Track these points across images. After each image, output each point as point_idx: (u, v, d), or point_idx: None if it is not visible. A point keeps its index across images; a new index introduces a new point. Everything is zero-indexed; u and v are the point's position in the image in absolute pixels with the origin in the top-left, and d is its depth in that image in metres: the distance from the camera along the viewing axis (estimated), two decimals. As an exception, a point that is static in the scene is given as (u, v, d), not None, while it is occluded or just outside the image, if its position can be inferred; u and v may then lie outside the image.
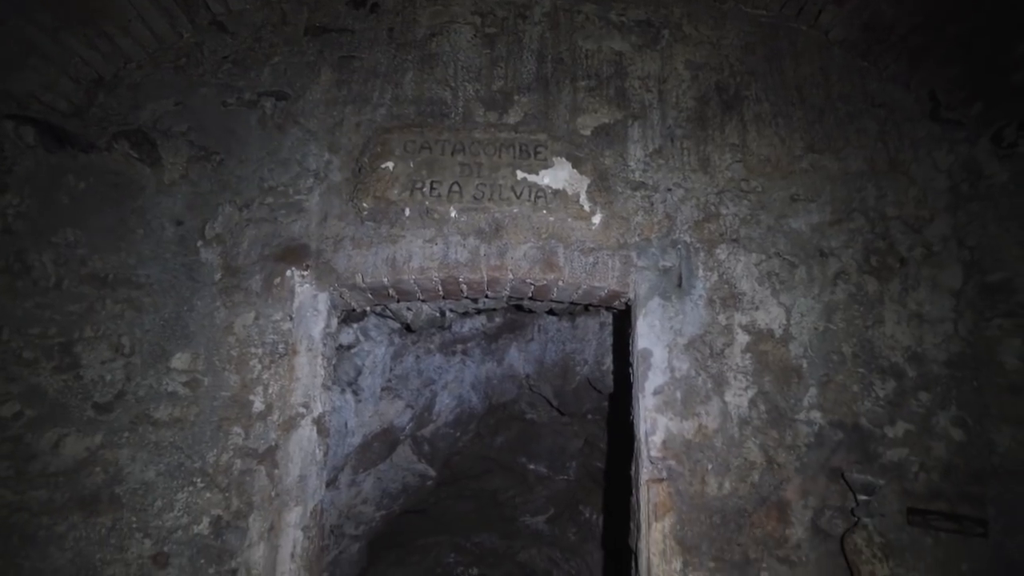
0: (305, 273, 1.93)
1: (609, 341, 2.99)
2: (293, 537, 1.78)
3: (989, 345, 1.94)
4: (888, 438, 1.85)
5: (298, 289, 1.92)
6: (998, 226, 2.02)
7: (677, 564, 1.69)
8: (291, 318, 1.89)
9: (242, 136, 2.09)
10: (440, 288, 2.07)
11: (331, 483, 2.82)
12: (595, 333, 3.08)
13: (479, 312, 2.92)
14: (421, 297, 2.17)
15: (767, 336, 1.92)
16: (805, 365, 1.90)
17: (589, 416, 3.55)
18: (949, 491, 1.84)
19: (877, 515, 1.70)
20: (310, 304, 1.92)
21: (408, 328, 2.76)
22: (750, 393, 1.85)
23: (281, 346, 1.87)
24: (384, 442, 2.96)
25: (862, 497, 1.70)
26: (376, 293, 2.06)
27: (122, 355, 1.86)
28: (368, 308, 2.54)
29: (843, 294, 1.99)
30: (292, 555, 1.77)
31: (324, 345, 1.93)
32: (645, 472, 1.77)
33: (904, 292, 2.01)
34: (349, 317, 2.64)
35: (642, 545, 1.73)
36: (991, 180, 2.08)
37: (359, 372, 2.85)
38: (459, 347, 3.38)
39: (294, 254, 1.96)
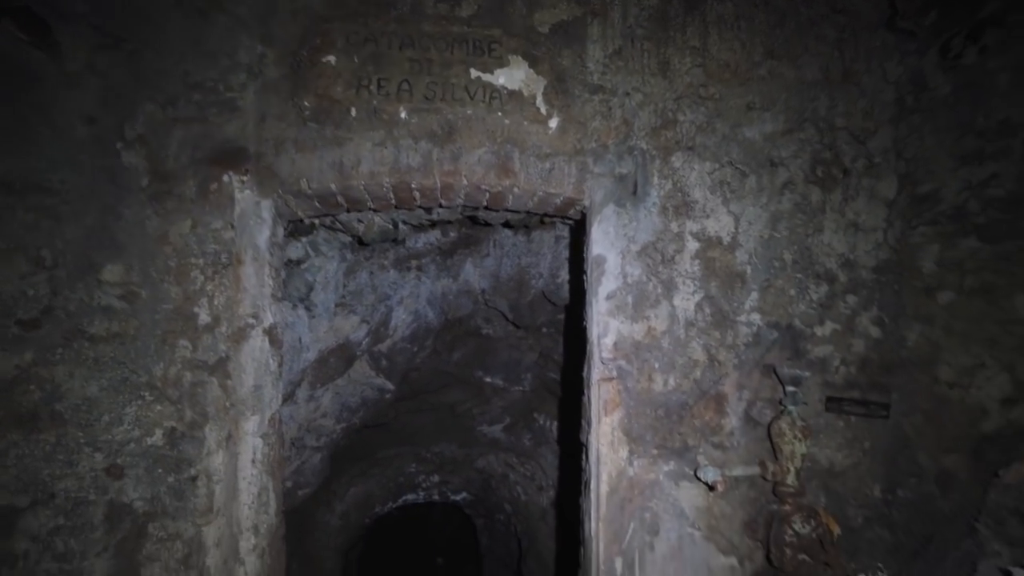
0: (244, 178, 1.80)
1: (564, 254, 3.03)
2: (252, 444, 1.80)
3: (911, 252, 2.09)
4: (816, 336, 2.01)
5: (238, 195, 1.79)
6: (934, 138, 2.10)
7: (624, 453, 1.84)
8: (233, 226, 1.78)
9: (158, 22, 1.84)
10: (392, 196, 1.99)
11: (289, 398, 2.83)
12: (550, 247, 3.10)
13: (433, 225, 2.86)
14: (372, 206, 2.09)
15: (716, 243, 1.98)
16: (749, 271, 1.99)
17: (544, 329, 3.66)
18: (862, 382, 2.05)
19: (800, 403, 1.88)
20: (253, 211, 1.81)
21: (360, 242, 2.68)
22: (697, 297, 1.94)
23: (224, 256, 1.77)
24: (341, 357, 2.97)
25: (790, 388, 1.87)
26: (324, 201, 1.96)
27: (43, 268, 1.72)
28: (317, 220, 2.43)
29: (789, 203, 2.06)
30: (253, 461, 1.80)
31: (271, 255, 1.85)
32: (596, 372, 1.86)
33: (844, 202, 2.10)
34: (297, 230, 2.52)
35: (592, 438, 1.86)
36: (934, 93, 2.13)
37: (311, 288, 2.78)
38: (413, 263, 3.34)
39: (231, 157, 1.81)
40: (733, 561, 1.92)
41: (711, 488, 1.77)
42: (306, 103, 1.83)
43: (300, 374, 2.80)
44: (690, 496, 1.88)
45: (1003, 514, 1.68)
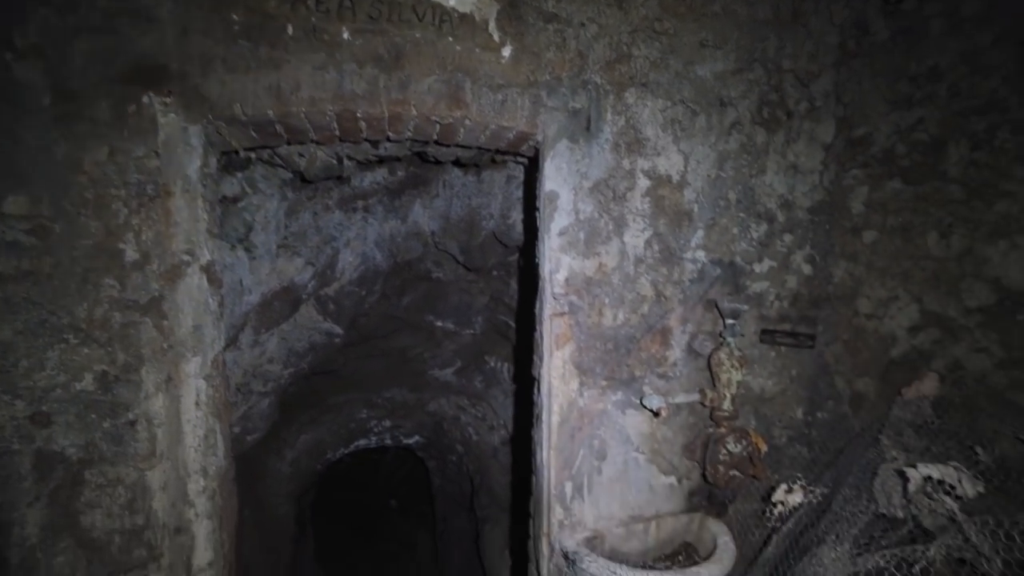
0: (168, 100, 1.62)
1: (516, 195, 2.99)
2: (195, 386, 1.72)
3: (843, 193, 2.22)
4: (755, 273, 2.13)
5: (161, 120, 1.62)
6: (871, 83, 2.18)
7: (574, 384, 1.91)
8: (157, 154, 1.62)
9: (46, -94, 1.57)
10: (336, 126, 1.87)
11: (233, 342, 2.72)
12: (501, 187, 3.05)
13: (380, 162, 2.73)
14: (315, 138, 1.96)
15: (665, 182, 2.01)
16: (696, 209, 2.05)
17: (495, 272, 3.67)
18: (793, 315, 2.20)
19: (738, 335, 2.00)
20: (180, 138, 1.65)
21: (303, 178, 2.53)
22: (646, 235, 1.98)
23: (150, 187, 1.62)
24: (285, 301, 2.86)
25: (729, 321, 1.98)
26: (261, 130, 1.82)
27: (-70, 199, 1.52)
28: (253, 154, 2.26)
29: (735, 144, 2.11)
30: (197, 403, 1.73)
31: (204, 187, 1.71)
32: (548, 308, 1.90)
33: (786, 144, 2.18)
34: (232, 164, 2.34)
35: (544, 372, 1.91)
36: (874, 38, 2.20)
37: (250, 228, 2.62)
38: (360, 203, 3.20)
39: (149, 76, 1.62)
40: (673, 480, 2.08)
41: (656, 415, 1.89)
42: (235, 16, 1.65)
43: (243, 318, 2.68)
44: (635, 423, 2.00)
45: (902, 426, 1.89)
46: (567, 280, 1.90)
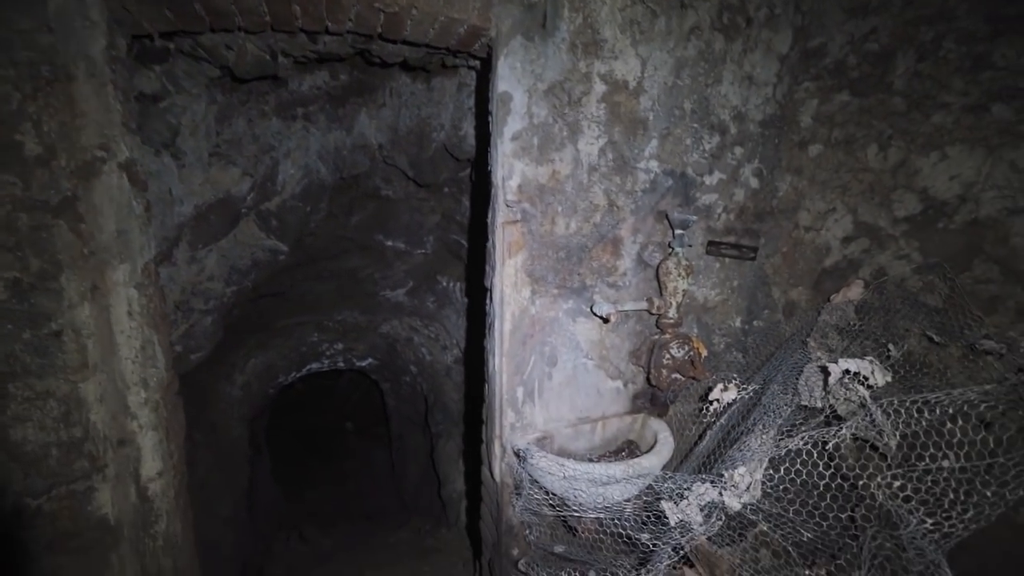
0: (55, -38, 1.38)
1: (468, 104, 2.85)
2: (126, 295, 1.62)
3: (794, 106, 2.23)
4: (705, 185, 2.15)
5: (50, -14, 1.39)
6: (830, -9, 2.14)
7: (526, 293, 1.93)
8: (50, 29, 1.40)
9: None
10: (265, 9, 1.67)
11: (167, 257, 2.55)
12: (452, 96, 2.88)
13: (321, 61, 2.50)
14: (242, 23, 1.75)
15: (622, 87, 1.95)
16: (651, 118, 2.02)
17: (446, 189, 3.55)
18: (739, 228, 2.27)
19: (686, 246, 2.05)
20: (77, 11, 1.42)
21: (233, 77, 2.29)
22: (601, 142, 1.95)
23: (46, 68, 1.41)
24: (223, 215, 2.68)
25: (678, 232, 2.02)
26: (178, 10, 1.60)
27: None
28: (173, 43, 2.01)
29: (694, 50, 2.05)
30: (130, 313, 1.63)
31: (113, 72, 1.51)
32: (501, 215, 1.86)
33: (743, 54, 2.14)
34: (148, 55, 2.08)
35: (497, 280, 1.91)
36: (837, -59, 2.13)
37: (176, 132, 2.38)
38: (300, 110, 2.96)
39: (29, -70, 1.37)
40: (619, 384, 2.19)
41: (605, 321, 1.95)
42: None
43: (177, 230, 2.50)
44: (585, 331, 2.06)
45: (827, 329, 2.04)
46: (520, 187, 1.86)
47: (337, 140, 3.21)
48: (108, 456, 1.66)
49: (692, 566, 1.85)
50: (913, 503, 1.12)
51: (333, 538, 5.08)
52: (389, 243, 4.18)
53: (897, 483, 1.15)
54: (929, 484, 1.13)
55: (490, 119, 1.90)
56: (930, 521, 1.08)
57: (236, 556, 4.36)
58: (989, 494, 1.04)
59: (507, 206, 1.86)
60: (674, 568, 1.75)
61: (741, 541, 1.84)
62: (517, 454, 1.96)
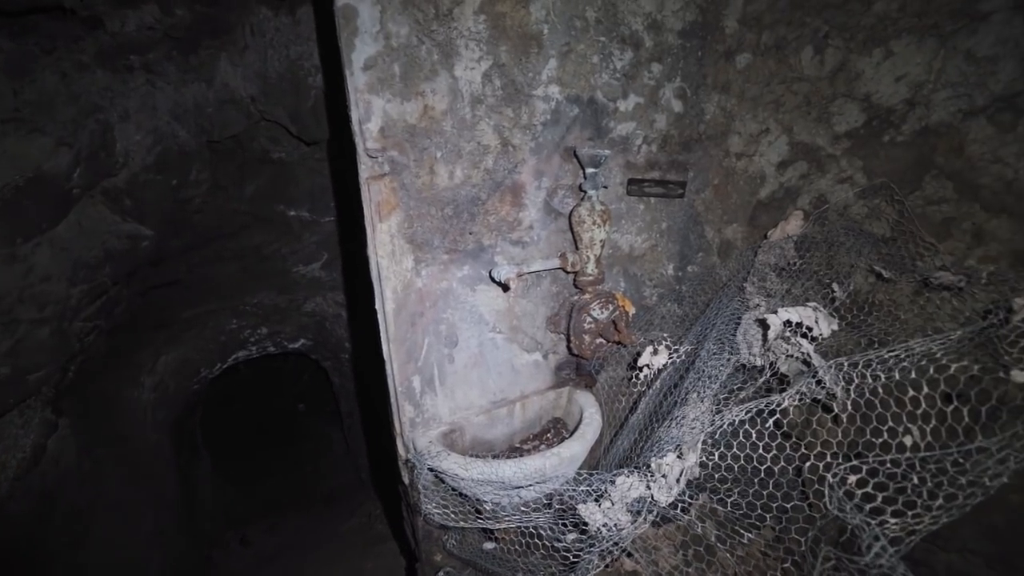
0: None
1: (339, 35, 2.36)
2: None
3: (717, 9, 1.87)
4: (620, 112, 1.80)
5: None
6: None
7: (408, 263, 1.56)
8: None
9: None
10: None
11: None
12: (322, 28, 2.39)
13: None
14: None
15: (504, -8, 1.54)
16: (546, 31, 1.62)
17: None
18: (662, 161, 1.95)
19: (601, 187, 1.71)
20: None
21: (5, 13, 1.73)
22: (484, 65, 1.55)
23: None
24: (41, 198, 2.14)
25: (590, 170, 1.68)
26: None
27: None
28: None
29: (592, -59, 1.64)
30: None
31: None
32: (364, 169, 1.47)
33: (654, -54, 1.75)
34: None
35: (370, 251, 1.53)
36: None
37: (-59, 94, 1.82)
38: (136, 59, 2.39)
39: None
40: (537, 357, 1.89)
41: (505, 287, 1.61)
42: None
43: (-32, 224, 1.98)
44: (489, 300, 1.73)
45: (765, 271, 1.78)
46: (383, 130, 1.45)
47: (197, 95, 2.66)
48: None
49: (630, 555, 1.62)
50: (877, 502, 0.87)
51: (280, 535, 4.79)
52: (292, 213, 3.69)
53: (853, 478, 0.90)
54: (889, 467, 0.89)
55: (339, 42, 1.47)
56: (895, 522, 0.84)
57: (169, 572, 4.00)
58: (964, 481, 0.81)
59: (369, 156, 1.46)
60: (608, 567, 1.52)
61: (685, 515, 1.61)
62: (407, 462, 1.66)
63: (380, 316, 1.60)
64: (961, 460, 0.82)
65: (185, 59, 2.56)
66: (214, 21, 2.50)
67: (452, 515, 1.58)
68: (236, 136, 3.04)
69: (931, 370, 0.91)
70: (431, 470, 1.57)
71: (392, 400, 1.69)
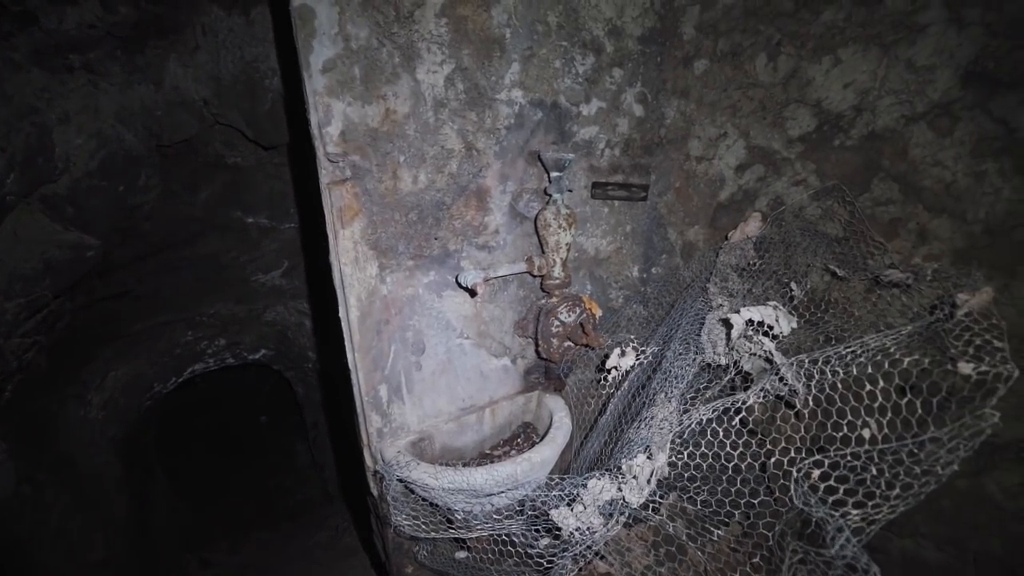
0: None
1: (296, 37, 2.29)
2: None
3: (675, 16, 1.92)
4: (583, 116, 1.81)
5: None
6: None
7: (372, 269, 1.53)
8: None
9: None
10: None
11: None
12: (278, 29, 2.32)
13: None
14: None
15: (466, -5, 1.53)
16: (508, 35, 1.62)
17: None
18: (625, 164, 1.97)
19: (566, 191, 1.72)
20: None
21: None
22: (447, 69, 1.53)
23: None
24: (-29, 206, 2.00)
25: (554, 174, 1.68)
26: None
27: None
28: None
29: (552, -53, 1.65)
30: None
31: None
32: (325, 174, 1.42)
33: (613, -47, 1.78)
34: None
35: (333, 258, 1.49)
36: None
37: None
38: (76, 59, 2.26)
39: None
40: (506, 362, 1.88)
41: (472, 293, 1.60)
42: None
43: None
44: (456, 306, 1.70)
45: (727, 271, 1.83)
46: (343, 134, 1.42)
47: (144, 97, 2.54)
48: None
49: (603, 558, 1.63)
50: (839, 494, 0.89)
51: (243, 554, 4.59)
52: (250, 219, 3.56)
53: (817, 472, 0.93)
54: (849, 459, 0.92)
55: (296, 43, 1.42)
56: (856, 513, 0.86)
57: (120, 600, 3.78)
58: (919, 471, 0.84)
59: (330, 161, 1.42)
60: (581, 571, 1.51)
61: (656, 515, 1.63)
62: (375, 473, 1.61)
63: (344, 324, 1.56)
64: (916, 451, 0.86)
65: (131, 59, 2.44)
66: (161, 20, 2.39)
67: (423, 526, 1.55)
68: (188, 140, 2.91)
69: (886, 364, 0.95)
70: (400, 481, 1.54)
71: (358, 410, 1.64)
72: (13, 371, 2.85)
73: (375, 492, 1.76)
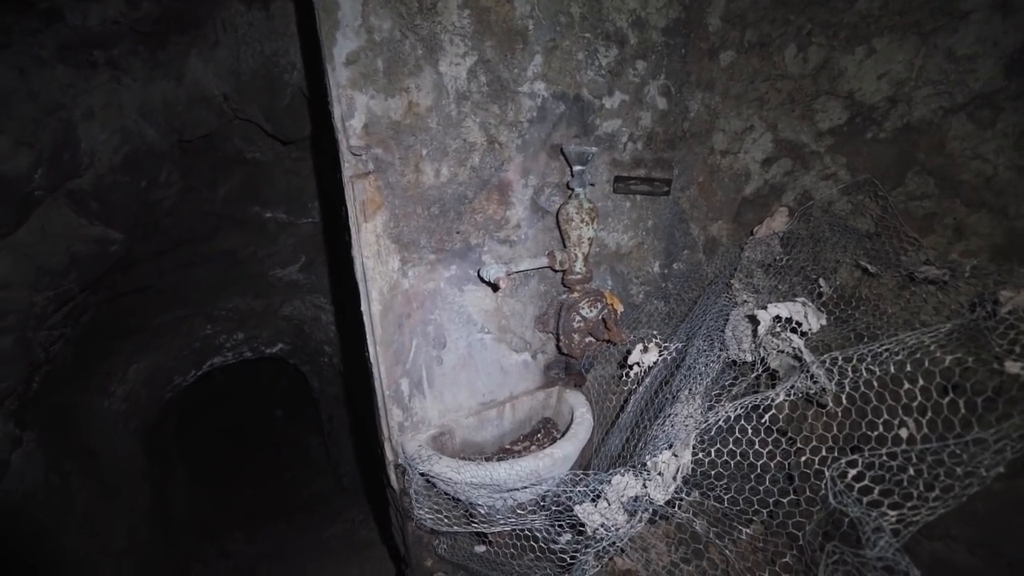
0: None
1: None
2: None
3: (701, 7, 1.88)
4: (605, 109, 1.79)
5: None
6: None
7: (395, 263, 1.52)
8: None
9: None
10: None
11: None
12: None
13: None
14: None
15: (489, -14, 1.51)
16: (531, 27, 1.60)
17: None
18: (648, 158, 1.95)
19: (588, 185, 1.70)
20: None
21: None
22: (469, 61, 1.52)
23: None
24: (1, 201, 2.03)
25: (577, 168, 1.66)
26: None
27: None
28: None
29: (576, -64, 1.63)
30: None
31: None
32: (348, 167, 1.42)
33: (637, -58, 1.74)
34: None
35: (355, 251, 1.49)
36: None
37: None
38: (100, 55, 2.28)
39: None
40: (526, 357, 1.87)
41: (495, 287, 1.59)
42: None
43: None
44: (477, 300, 1.70)
45: (752, 267, 1.80)
46: (367, 127, 1.41)
47: (166, 93, 2.56)
48: None
49: (623, 553, 1.61)
50: (874, 495, 0.87)
51: (260, 544, 4.66)
52: (268, 214, 3.59)
53: (852, 472, 0.90)
54: (885, 459, 0.89)
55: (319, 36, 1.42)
56: (893, 514, 0.84)
57: (143, 588, 3.86)
58: (960, 472, 0.81)
59: (353, 154, 1.42)
60: (603, 566, 1.50)
61: (681, 512, 1.61)
62: (397, 466, 1.61)
63: (366, 318, 1.56)
64: (958, 452, 0.83)
65: (152, 55, 2.46)
66: (183, 15, 2.41)
67: (444, 519, 1.55)
68: (208, 135, 2.94)
69: (926, 363, 0.92)
70: (422, 474, 1.54)
71: (379, 404, 1.64)
72: (41, 363, 2.90)
73: (396, 485, 1.76)
